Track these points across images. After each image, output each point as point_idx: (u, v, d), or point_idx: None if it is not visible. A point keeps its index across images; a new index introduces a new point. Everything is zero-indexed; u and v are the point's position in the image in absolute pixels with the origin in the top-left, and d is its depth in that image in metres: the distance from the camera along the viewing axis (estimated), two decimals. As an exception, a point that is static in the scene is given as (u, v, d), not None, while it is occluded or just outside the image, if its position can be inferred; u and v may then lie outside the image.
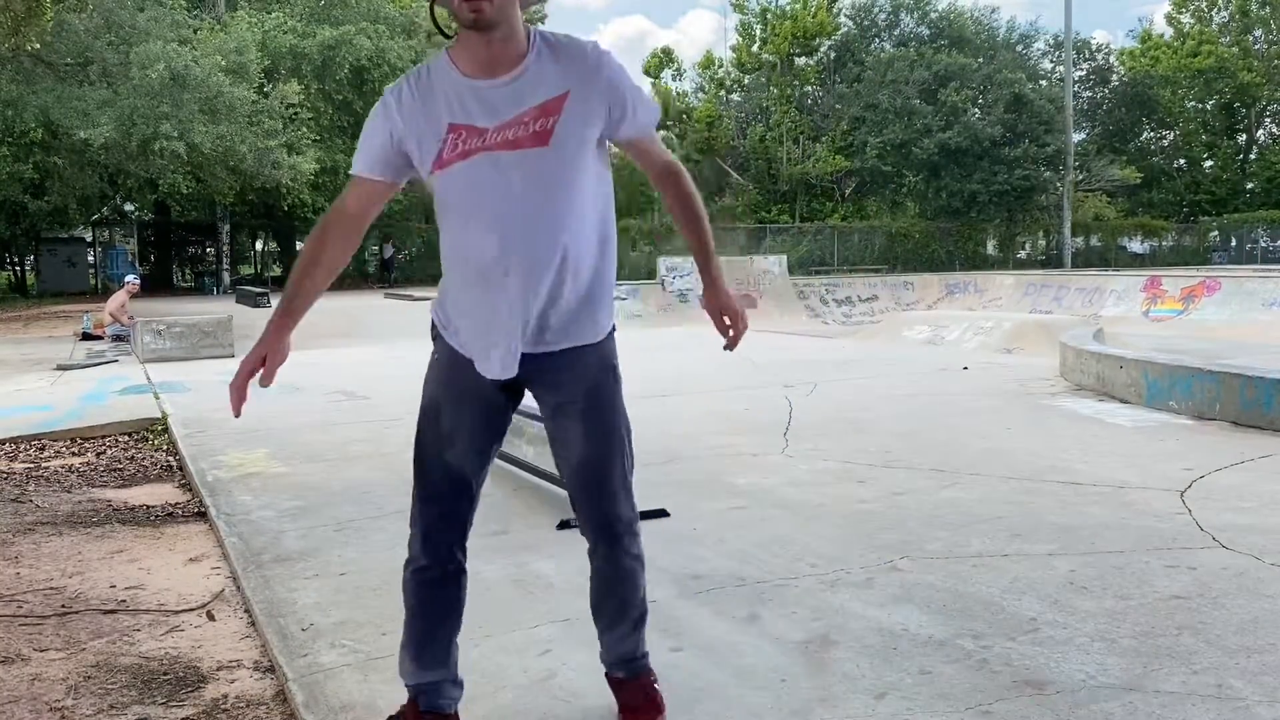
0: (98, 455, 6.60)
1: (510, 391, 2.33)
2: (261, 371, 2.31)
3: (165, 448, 6.79)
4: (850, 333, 20.50)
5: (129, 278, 16.43)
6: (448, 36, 2.19)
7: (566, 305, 2.18)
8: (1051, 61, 43.27)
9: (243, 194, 23.87)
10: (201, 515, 4.95)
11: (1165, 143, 46.14)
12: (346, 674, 2.85)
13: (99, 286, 26.69)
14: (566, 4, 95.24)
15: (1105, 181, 40.65)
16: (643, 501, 4.55)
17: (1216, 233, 41.34)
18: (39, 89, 19.06)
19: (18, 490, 5.56)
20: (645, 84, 42.18)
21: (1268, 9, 42.13)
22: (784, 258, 31.03)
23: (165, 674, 3.05)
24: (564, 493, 4.67)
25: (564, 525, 4.25)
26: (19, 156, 20.81)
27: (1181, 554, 3.76)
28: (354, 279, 30.31)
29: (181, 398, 8.54)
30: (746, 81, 41.99)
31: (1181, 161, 45.15)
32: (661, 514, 4.42)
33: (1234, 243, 40.28)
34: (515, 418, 5.34)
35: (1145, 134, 45.53)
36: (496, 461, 5.49)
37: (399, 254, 30.88)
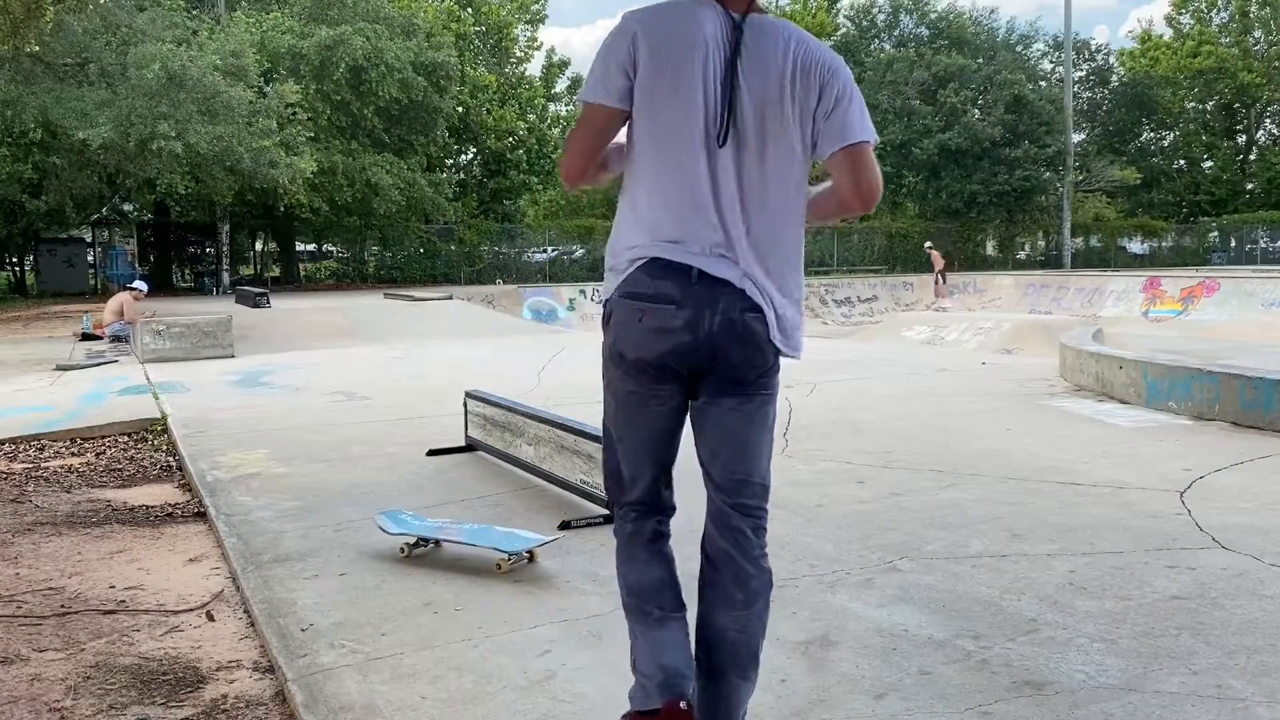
0: (97, 455, 6.60)
1: None
2: None
3: (165, 448, 6.78)
4: (850, 333, 20.53)
5: (137, 284, 16.36)
6: None
7: None
8: (1051, 62, 43.31)
9: (241, 194, 23.86)
10: (201, 515, 4.95)
11: (1165, 143, 46.15)
12: (346, 674, 2.85)
13: (98, 287, 26.68)
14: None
15: (1105, 182, 40.69)
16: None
17: (1216, 233, 41.36)
18: (38, 89, 19.06)
19: (17, 490, 5.55)
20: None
21: (1268, 9, 42.14)
22: (783, 258, 30.99)
23: (165, 674, 3.05)
24: (564, 493, 4.69)
25: (565, 526, 4.25)
26: (18, 156, 20.81)
27: (1181, 554, 3.76)
28: (354, 280, 30.34)
29: (181, 398, 8.53)
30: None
31: (1181, 162, 45.17)
32: (661, 514, 4.41)
33: (1233, 243, 40.31)
34: (515, 418, 5.35)
35: (1145, 134, 45.53)
36: (496, 461, 5.51)
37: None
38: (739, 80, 2.06)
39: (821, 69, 2.10)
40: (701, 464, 2.22)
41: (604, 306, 2.21)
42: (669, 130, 2.09)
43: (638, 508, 2.27)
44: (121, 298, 15.11)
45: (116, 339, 14.06)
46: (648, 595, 2.21)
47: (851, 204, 2.17)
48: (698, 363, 2.11)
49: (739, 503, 2.17)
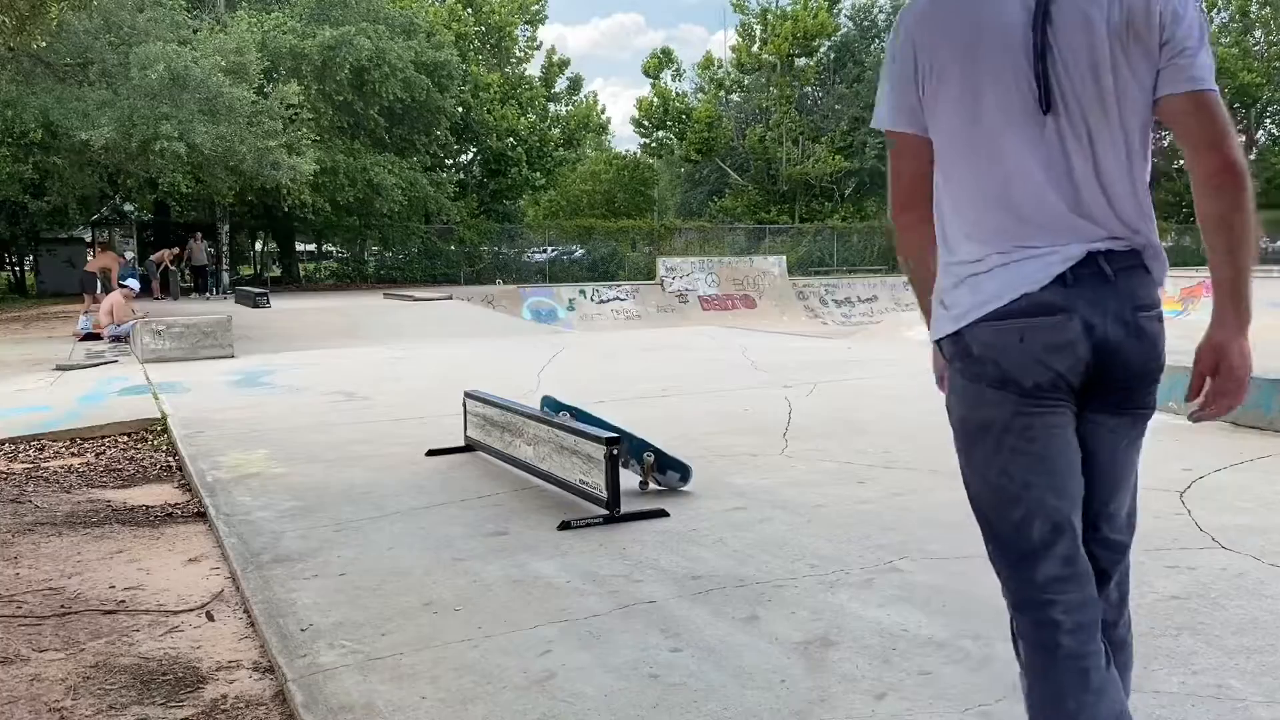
0: (97, 456, 6.60)
1: None
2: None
3: (165, 448, 6.78)
4: (850, 333, 20.52)
5: (129, 282, 16.62)
6: None
7: None
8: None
9: (242, 194, 23.90)
10: (201, 516, 4.95)
11: (1165, 143, 46.10)
12: (346, 674, 2.85)
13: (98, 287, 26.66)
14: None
15: (1104, 182, 40.60)
16: (643, 501, 4.56)
17: (1216, 234, 41.32)
18: (39, 89, 19.07)
19: (17, 491, 5.55)
20: (645, 85, 42.18)
21: (1268, 9, 42.15)
22: (783, 258, 31.08)
23: (164, 674, 3.05)
24: (564, 494, 4.69)
25: (565, 526, 4.25)
26: (19, 157, 20.81)
27: (1181, 554, 3.76)
28: (354, 280, 30.36)
29: (181, 398, 8.53)
30: (746, 82, 42.04)
31: (1181, 162, 45.09)
32: (661, 514, 4.42)
33: (1234, 243, 40.28)
34: (514, 418, 5.36)
35: (1145, 134, 45.49)
36: (495, 462, 5.52)
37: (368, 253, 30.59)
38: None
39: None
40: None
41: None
42: None
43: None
44: (113, 298, 15.18)
45: (116, 339, 14.09)
46: None
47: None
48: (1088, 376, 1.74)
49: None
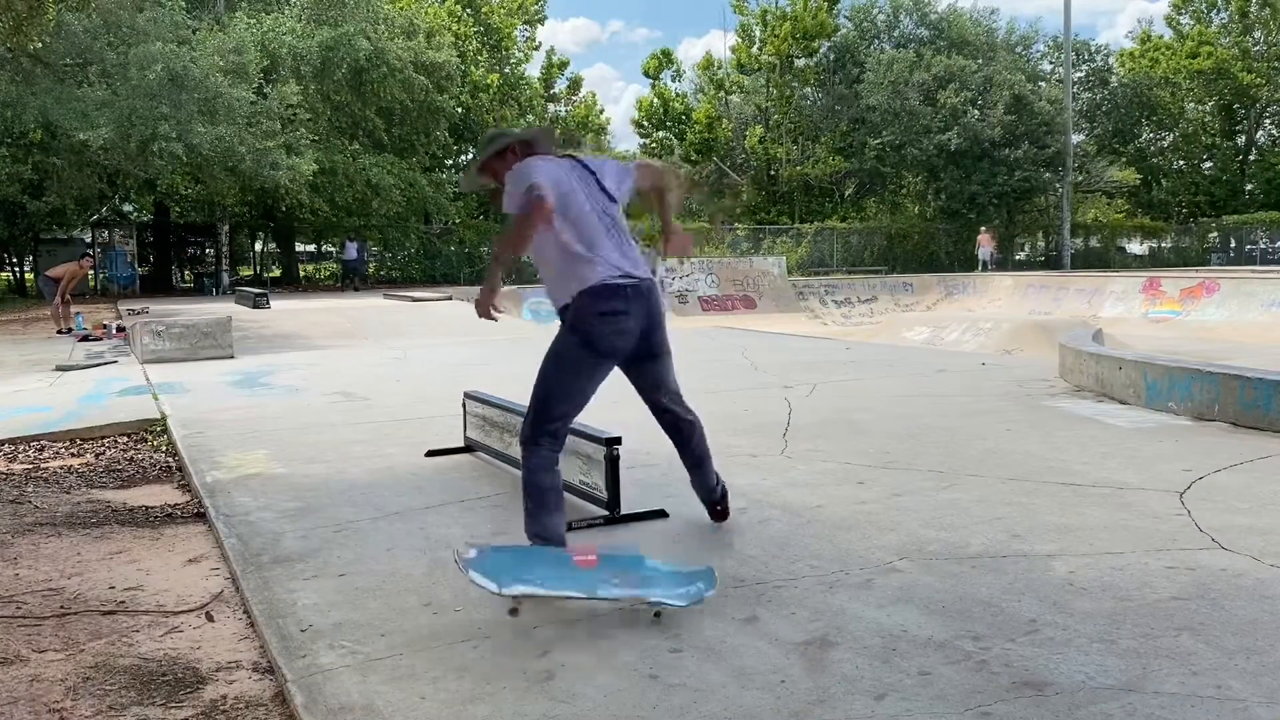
0: (97, 456, 6.60)
1: None
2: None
3: (164, 448, 6.78)
4: (850, 333, 20.51)
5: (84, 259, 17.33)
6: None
7: None
8: (1051, 63, 43.29)
9: (242, 195, 23.91)
10: (201, 516, 4.95)
11: (1164, 144, 46.14)
12: (346, 675, 2.85)
13: (99, 288, 26.68)
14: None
15: (1104, 183, 40.67)
16: (642, 502, 4.56)
17: (1216, 234, 41.37)
18: (38, 89, 19.08)
19: (17, 491, 5.55)
20: (645, 85, 42.13)
21: (1267, 10, 42.16)
22: (783, 259, 31.09)
23: (164, 675, 3.05)
24: (564, 495, 4.67)
25: (565, 528, 4.24)
26: (18, 157, 20.82)
27: (1181, 555, 3.76)
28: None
29: (181, 398, 8.53)
30: (745, 83, 42.02)
31: (1180, 163, 45.15)
32: (660, 514, 4.42)
33: (1233, 244, 40.33)
34: (514, 419, 5.35)
35: (1145, 135, 45.51)
36: (495, 462, 5.51)
37: (368, 254, 30.47)
38: None
39: None
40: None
41: None
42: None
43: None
44: (70, 268, 16.02)
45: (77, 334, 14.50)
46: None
47: None
48: None
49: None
